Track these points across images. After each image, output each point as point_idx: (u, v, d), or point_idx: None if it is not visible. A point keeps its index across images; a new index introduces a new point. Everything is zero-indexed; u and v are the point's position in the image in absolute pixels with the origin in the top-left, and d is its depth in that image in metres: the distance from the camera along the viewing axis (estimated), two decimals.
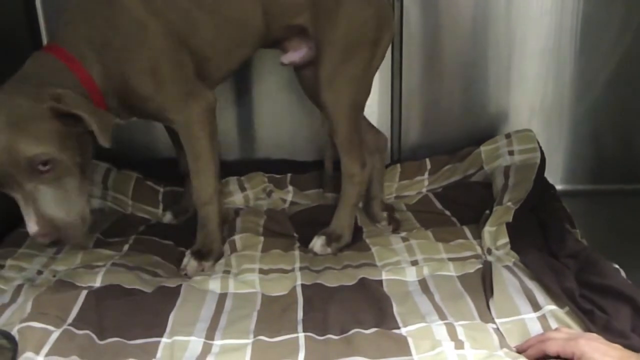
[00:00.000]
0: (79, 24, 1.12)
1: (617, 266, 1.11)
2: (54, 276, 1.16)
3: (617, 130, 1.73)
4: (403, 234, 1.34)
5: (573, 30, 1.63)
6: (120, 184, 1.51)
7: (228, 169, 1.53)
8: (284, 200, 1.50)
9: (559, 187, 1.68)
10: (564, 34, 1.63)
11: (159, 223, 1.43)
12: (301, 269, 1.21)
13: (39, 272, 1.19)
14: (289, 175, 1.55)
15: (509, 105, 1.70)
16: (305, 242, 1.30)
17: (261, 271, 1.20)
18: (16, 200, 1.02)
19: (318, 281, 1.16)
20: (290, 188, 1.51)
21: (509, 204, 1.33)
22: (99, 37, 1.11)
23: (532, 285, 1.09)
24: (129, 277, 1.14)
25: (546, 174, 1.61)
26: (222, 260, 1.24)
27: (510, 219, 1.28)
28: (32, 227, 1.00)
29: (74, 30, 1.12)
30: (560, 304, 1.05)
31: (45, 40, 1.59)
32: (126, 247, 1.28)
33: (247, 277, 1.18)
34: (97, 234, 1.32)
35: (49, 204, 1.01)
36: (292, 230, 1.37)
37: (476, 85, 1.67)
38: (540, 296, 1.06)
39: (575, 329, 1.00)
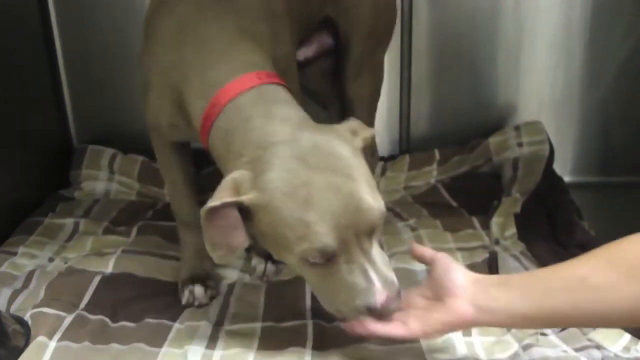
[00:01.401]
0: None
1: None
2: (66, 263, 1.18)
3: (627, 122, 1.74)
4: (412, 222, 1.36)
5: (582, 22, 1.65)
6: (127, 167, 1.55)
7: None
8: None
9: (567, 179, 1.70)
10: (573, 26, 1.65)
11: (165, 206, 1.44)
12: None
13: (51, 260, 1.23)
14: None
15: (518, 97, 1.71)
16: None
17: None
18: (335, 271, 0.83)
19: None
20: None
21: (517, 195, 1.36)
22: None
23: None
24: (140, 264, 1.18)
25: (555, 166, 1.63)
26: None
27: (518, 210, 1.31)
28: (379, 294, 0.82)
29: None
30: None
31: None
32: (134, 232, 1.32)
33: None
34: (105, 222, 1.36)
35: (386, 265, 0.85)
36: None
37: (485, 77, 1.69)
38: None
39: None
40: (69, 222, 1.34)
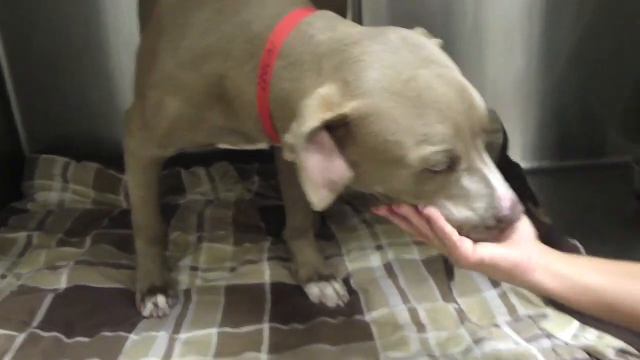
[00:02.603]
0: None
1: (577, 244, 1.16)
2: (18, 280, 1.18)
3: (581, 107, 1.77)
4: (367, 217, 1.37)
5: (538, 8, 1.66)
6: (81, 175, 1.53)
7: (196, 158, 1.56)
8: (249, 190, 1.52)
9: (525, 164, 1.73)
10: (528, 13, 1.66)
11: (121, 214, 1.43)
12: (269, 259, 1.24)
13: (3, 276, 1.21)
14: (255, 164, 1.56)
15: (474, 84, 1.72)
16: (272, 232, 1.32)
17: (231, 269, 1.23)
18: (454, 180, 0.73)
19: (286, 272, 1.20)
20: (255, 178, 1.53)
21: None
22: None
23: None
24: (92, 275, 1.17)
25: (513, 152, 1.66)
26: (188, 256, 1.26)
27: None
28: (505, 200, 0.73)
29: None
30: None
31: None
32: (88, 243, 1.30)
33: (216, 274, 1.21)
34: (59, 234, 1.34)
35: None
36: (260, 220, 1.39)
37: None
38: None
39: (535, 300, 1.06)
40: (21, 236, 1.33)
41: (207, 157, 1.56)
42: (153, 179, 1.11)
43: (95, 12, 1.58)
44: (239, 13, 0.84)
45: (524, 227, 0.77)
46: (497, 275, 0.77)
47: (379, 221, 1.34)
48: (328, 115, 0.69)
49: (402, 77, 0.70)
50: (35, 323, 1.04)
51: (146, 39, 0.99)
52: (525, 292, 1.07)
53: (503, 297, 1.07)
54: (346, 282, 1.16)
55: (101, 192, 1.51)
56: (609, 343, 0.91)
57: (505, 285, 1.09)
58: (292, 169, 1.12)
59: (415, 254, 1.22)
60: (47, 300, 1.10)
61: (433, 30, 0.84)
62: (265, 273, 1.19)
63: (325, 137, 0.71)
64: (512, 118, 1.72)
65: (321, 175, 0.71)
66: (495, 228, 0.74)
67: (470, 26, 1.67)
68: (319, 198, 0.72)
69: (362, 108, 0.70)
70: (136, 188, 1.12)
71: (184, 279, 1.20)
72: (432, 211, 0.74)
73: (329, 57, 0.74)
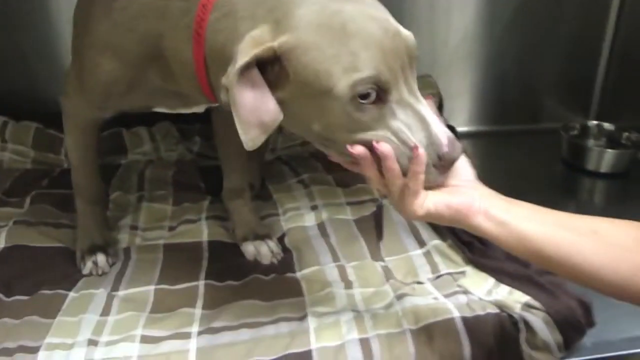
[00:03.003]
0: None
1: None
2: None
3: (520, 73, 1.84)
4: (305, 177, 1.43)
5: None
6: (20, 135, 1.52)
7: (138, 118, 1.57)
8: (190, 151, 1.55)
9: (464, 127, 1.80)
10: None
11: (62, 173, 1.44)
12: (207, 218, 1.28)
13: None
14: (197, 125, 1.58)
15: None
16: (211, 192, 1.36)
17: (170, 228, 1.26)
18: (386, 114, 0.75)
19: (223, 231, 1.24)
20: (197, 139, 1.55)
21: None
22: None
23: (419, 224, 1.22)
24: (32, 235, 1.19)
25: (452, 116, 1.72)
26: (128, 216, 1.29)
27: None
28: (442, 136, 0.75)
29: None
30: (443, 238, 1.18)
31: None
32: (27, 202, 1.31)
33: (155, 233, 1.25)
34: None
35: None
36: (200, 180, 1.43)
37: None
38: (425, 233, 1.20)
39: (456, 259, 1.14)
40: None
41: (149, 117, 1.57)
42: (92, 140, 1.13)
43: None
44: None
45: (465, 170, 0.81)
46: (442, 221, 0.80)
47: (315, 182, 1.40)
48: (258, 49, 0.72)
49: (327, 11, 0.73)
50: None
51: (81, 3, 1.00)
52: (448, 251, 1.15)
53: (427, 256, 1.14)
54: (281, 240, 1.22)
55: (41, 151, 1.51)
56: (517, 298, 0.99)
57: (430, 244, 1.16)
58: (228, 131, 1.17)
59: (348, 214, 1.28)
60: None
61: None
62: (203, 232, 1.23)
63: (257, 76, 0.73)
64: (451, 82, 1.79)
65: (253, 114, 0.74)
66: (437, 167, 0.76)
67: None
68: (249, 137, 0.74)
69: (290, 41, 0.73)
70: (75, 149, 1.14)
71: (124, 237, 1.23)
72: (385, 147, 0.75)
73: (262, 2, 0.76)
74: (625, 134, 1.68)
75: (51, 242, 1.18)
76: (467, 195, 0.78)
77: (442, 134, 0.75)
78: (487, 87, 1.84)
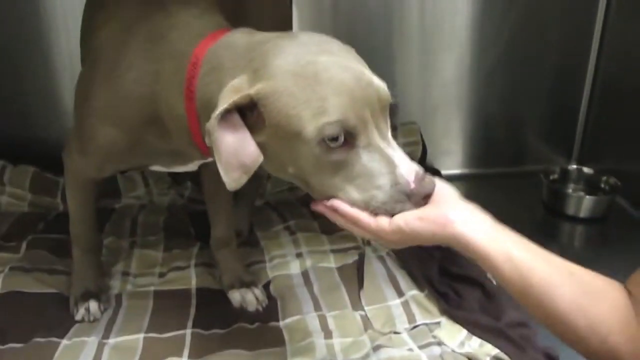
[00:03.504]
0: None
1: None
2: None
3: (505, 115, 1.91)
4: (292, 224, 1.49)
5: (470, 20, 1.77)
6: (17, 178, 1.58)
7: None
8: (182, 196, 1.61)
9: (450, 171, 1.85)
10: (461, 22, 1.77)
11: (57, 217, 1.50)
12: (196, 265, 1.34)
13: None
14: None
15: (401, 88, 1.82)
16: (201, 237, 1.42)
17: (160, 275, 1.32)
18: (355, 158, 0.79)
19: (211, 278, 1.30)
20: (188, 184, 1.61)
21: None
22: None
23: (398, 273, 1.29)
24: (27, 281, 1.24)
25: (438, 159, 1.78)
26: (121, 262, 1.35)
27: None
28: (410, 173, 0.78)
29: None
30: (420, 288, 1.24)
31: None
32: (23, 248, 1.37)
33: (146, 279, 1.30)
34: None
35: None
36: (190, 225, 1.49)
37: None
38: (404, 283, 1.26)
39: (432, 309, 1.19)
40: None
41: None
42: (90, 196, 1.19)
43: (36, 13, 1.61)
44: (165, 36, 0.93)
45: (444, 189, 0.81)
46: (423, 239, 0.79)
47: (301, 229, 1.46)
48: (236, 97, 0.77)
49: (302, 61, 0.78)
50: None
51: (84, 70, 1.07)
52: (424, 301, 1.20)
53: (405, 305, 1.19)
54: (266, 287, 1.27)
55: (38, 194, 1.56)
56: (487, 351, 1.05)
57: (408, 295, 1.22)
58: (216, 184, 1.23)
59: (332, 262, 1.34)
60: None
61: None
62: (191, 279, 1.29)
63: (237, 121, 0.78)
64: (437, 126, 1.85)
65: (234, 157, 0.78)
66: (410, 202, 0.78)
67: (397, 34, 1.76)
68: (231, 179, 0.79)
69: (265, 88, 0.77)
70: (74, 203, 1.19)
71: (116, 284, 1.28)
72: (334, 201, 0.80)
73: (245, 55, 0.82)
74: (604, 178, 1.74)
75: (46, 288, 1.23)
76: (443, 206, 0.78)
77: (409, 173, 0.78)
78: (472, 130, 1.90)
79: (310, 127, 0.76)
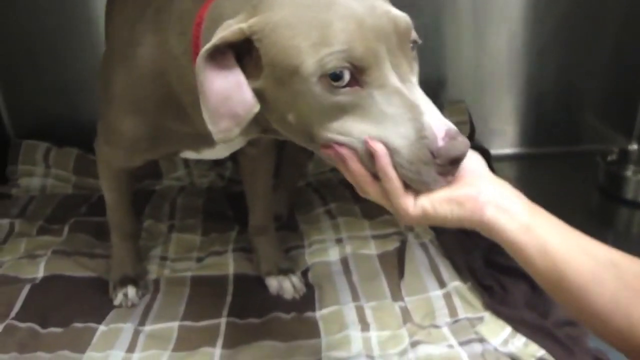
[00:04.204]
0: None
1: None
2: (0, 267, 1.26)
3: (559, 93, 1.80)
4: (333, 207, 1.44)
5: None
6: (62, 160, 1.59)
7: None
8: (222, 177, 1.59)
9: (500, 150, 1.77)
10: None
11: (100, 199, 1.47)
12: (234, 250, 1.32)
13: None
14: None
15: (448, 72, 1.74)
16: (240, 220, 1.39)
17: (198, 259, 1.31)
18: (366, 98, 0.65)
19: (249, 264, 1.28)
20: (228, 164, 1.59)
21: None
22: None
23: (441, 263, 1.23)
24: (68, 265, 1.26)
25: (488, 138, 1.70)
26: (159, 246, 1.34)
27: None
28: (438, 127, 0.64)
29: None
30: (464, 280, 1.18)
31: None
32: (66, 231, 1.38)
33: (183, 264, 1.29)
34: (40, 221, 1.42)
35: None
36: (229, 208, 1.46)
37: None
38: (447, 273, 1.20)
39: (475, 303, 1.13)
40: (4, 222, 1.40)
41: None
42: (124, 185, 1.17)
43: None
44: (171, 3, 0.86)
45: (473, 162, 0.68)
46: (448, 224, 0.67)
47: (342, 213, 1.42)
48: (227, 32, 0.67)
49: None
50: (12, 314, 1.12)
51: (103, 59, 1.04)
52: (467, 294, 1.14)
53: (447, 298, 1.14)
54: (304, 275, 1.24)
55: (81, 176, 1.57)
56: (532, 352, 0.98)
57: (450, 286, 1.16)
58: (254, 172, 1.19)
59: (372, 249, 1.29)
60: (25, 290, 1.18)
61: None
62: (229, 265, 1.27)
63: (231, 62, 0.68)
64: (487, 103, 1.76)
65: (224, 104, 0.68)
66: (434, 166, 0.63)
67: (448, 8, 1.66)
68: (219, 129, 0.69)
69: (260, 21, 0.67)
70: (109, 192, 1.18)
71: (153, 268, 1.28)
72: (379, 145, 0.65)
73: (246, 0, 0.71)
74: None
75: (86, 272, 1.25)
76: (472, 185, 0.66)
77: (438, 125, 0.63)
78: (524, 107, 1.80)
79: (309, 59, 0.64)
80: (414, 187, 0.66)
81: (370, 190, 0.69)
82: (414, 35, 0.69)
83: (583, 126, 1.84)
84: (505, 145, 1.80)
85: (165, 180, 1.59)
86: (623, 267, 0.65)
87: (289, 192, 1.46)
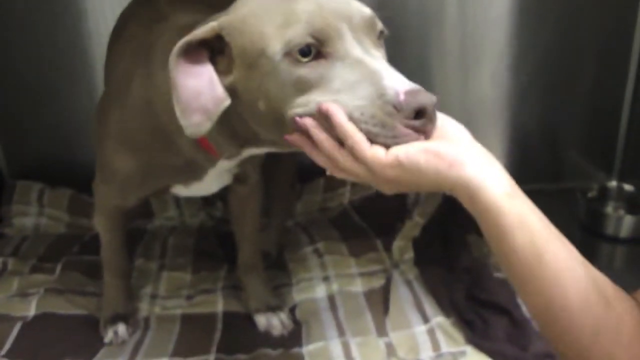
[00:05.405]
0: None
1: (504, 278, 1.25)
2: None
3: (543, 131, 1.84)
4: (320, 246, 1.47)
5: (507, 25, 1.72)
6: (56, 200, 1.62)
7: None
8: (212, 217, 1.62)
9: None
10: (498, 34, 1.72)
11: (93, 238, 1.52)
12: (223, 288, 1.34)
13: None
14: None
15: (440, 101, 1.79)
16: (229, 258, 1.42)
17: (188, 297, 1.33)
18: (329, 68, 0.70)
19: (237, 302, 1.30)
20: (219, 204, 1.62)
21: (418, 218, 1.47)
22: None
23: (425, 298, 1.26)
24: (60, 303, 1.27)
25: None
26: (149, 284, 1.37)
27: (417, 233, 1.42)
28: (398, 82, 0.67)
29: None
30: (447, 315, 1.21)
31: None
32: (58, 269, 1.39)
33: (174, 302, 1.31)
34: (33, 260, 1.44)
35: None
36: (219, 247, 1.49)
37: None
38: (430, 309, 1.23)
39: (458, 337, 1.16)
40: None
41: None
42: (119, 224, 1.21)
43: (72, 40, 1.64)
44: (158, 38, 0.91)
45: (455, 128, 0.69)
46: (423, 179, 0.65)
47: (329, 251, 1.45)
48: (199, 30, 0.72)
49: None
50: (3, 352, 1.14)
51: (101, 99, 1.09)
52: (450, 329, 1.17)
53: (430, 333, 1.17)
54: (292, 311, 1.27)
55: (75, 216, 1.60)
56: None
57: (434, 321, 1.19)
58: (243, 211, 1.23)
59: (358, 286, 1.32)
60: (16, 328, 1.19)
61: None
62: (218, 302, 1.30)
63: (203, 60, 0.73)
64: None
65: (195, 99, 0.72)
66: (399, 120, 0.65)
67: (451, 48, 1.72)
68: (190, 123, 0.72)
69: (230, 18, 0.73)
70: (103, 230, 1.21)
71: (144, 306, 1.30)
72: (331, 104, 0.67)
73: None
74: None
75: (77, 310, 1.26)
76: (454, 142, 0.66)
77: (399, 85, 0.66)
78: (508, 145, 1.85)
79: (274, 40, 0.69)
80: (383, 142, 0.66)
81: (338, 157, 0.68)
82: (379, 25, 0.74)
83: (565, 163, 1.88)
84: None
85: (156, 220, 1.62)
86: (592, 271, 0.64)
87: (278, 231, 1.49)
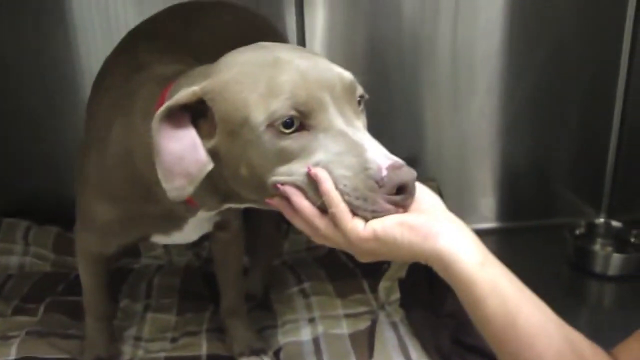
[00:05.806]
0: None
1: None
2: None
3: (531, 168, 1.86)
4: (307, 286, 1.46)
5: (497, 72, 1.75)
6: (41, 238, 1.61)
7: None
8: (199, 256, 1.61)
9: (474, 226, 1.79)
10: (487, 71, 1.75)
11: (77, 277, 1.49)
12: (208, 330, 1.33)
13: None
14: None
15: (428, 142, 1.80)
16: (215, 299, 1.40)
17: (172, 340, 1.31)
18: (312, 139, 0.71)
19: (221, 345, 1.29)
20: (205, 244, 1.61)
21: None
22: None
23: (409, 342, 1.25)
24: (41, 346, 1.25)
25: (461, 214, 1.73)
26: (134, 326, 1.35)
27: (403, 275, 1.41)
28: (380, 158, 0.68)
29: None
30: (431, 358, 1.19)
31: None
32: (41, 311, 1.38)
33: (158, 345, 1.30)
34: (16, 300, 1.43)
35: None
36: (204, 288, 1.48)
37: (387, 130, 1.74)
38: (415, 352, 1.22)
39: None
40: None
41: None
42: (100, 270, 1.19)
43: (61, 77, 1.66)
44: (138, 88, 0.91)
45: (429, 198, 0.71)
46: (399, 251, 0.67)
47: (316, 292, 1.44)
48: (181, 95, 0.72)
49: (254, 54, 0.74)
50: None
51: (80, 148, 1.09)
52: None
53: None
54: (277, 354, 1.25)
55: (60, 254, 1.59)
56: None
57: None
58: (225, 256, 1.22)
59: (344, 328, 1.30)
60: None
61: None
62: (202, 346, 1.28)
63: (186, 124, 0.73)
64: (463, 179, 1.81)
65: (178, 163, 0.72)
66: (381, 195, 0.66)
67: (414, 96, 1.71)
68: (173, 186, 0.72)
69: (212, 82, 0.73)
70: (85, 276, 1.20)
71: (128, 349, 1.28)
72: (320, 170, 0.69)
73: (202, 72, 0.78)
74: (635, 232, 1.66)
75: (59, 354, 1.24)
76: (428, 215, 0.68)
77: (382, 159, 0.67)
78: (498, 184, 1.85)
79: (257, 110, 0.70)
80: (362, 215, 0.68)
81: (319, 225, 0.70)
82: (359, 90, 0.76)
83: (554, 200, 1.89)
84: (479, 221, 1.84)
85: (143, 258, 1.61)
86: (567, 330, 0.66)
87: (264, 271, 1.48)
